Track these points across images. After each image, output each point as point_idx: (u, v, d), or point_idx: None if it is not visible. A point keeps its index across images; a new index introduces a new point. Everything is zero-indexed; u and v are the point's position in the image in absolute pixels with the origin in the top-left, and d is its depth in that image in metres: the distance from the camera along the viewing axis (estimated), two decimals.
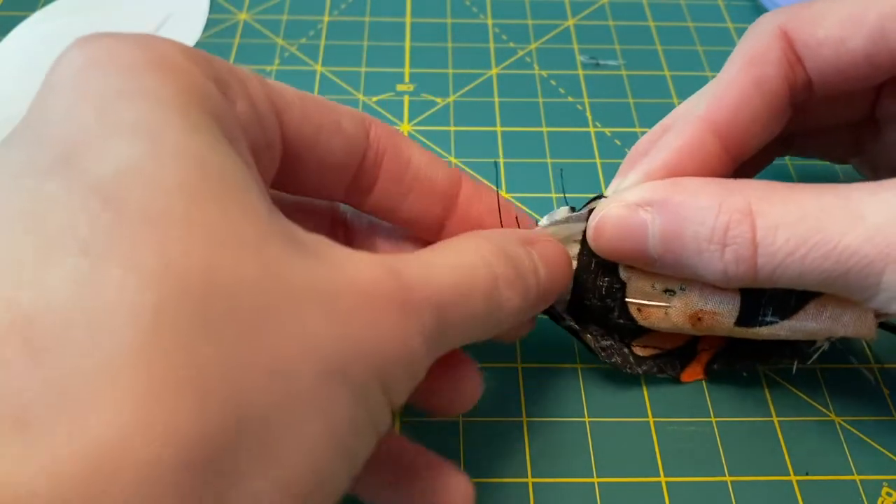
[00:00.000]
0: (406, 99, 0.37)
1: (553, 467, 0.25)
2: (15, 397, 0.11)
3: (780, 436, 0.26)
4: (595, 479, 0.24)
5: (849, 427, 0.26)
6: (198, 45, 0.39)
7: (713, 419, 0.26)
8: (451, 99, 0.37)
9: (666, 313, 0.24)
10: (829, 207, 0.20)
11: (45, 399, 0.11)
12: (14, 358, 0.11)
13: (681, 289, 0.24)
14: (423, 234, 0.24)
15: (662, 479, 0.24)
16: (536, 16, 0.42)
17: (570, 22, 0.41)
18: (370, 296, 0.15)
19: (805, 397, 0.27)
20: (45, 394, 0.11)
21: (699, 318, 0.24)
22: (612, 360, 0.26)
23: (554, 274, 0.22)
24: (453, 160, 0.34)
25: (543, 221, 0.24)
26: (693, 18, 0.42)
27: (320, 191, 0.22)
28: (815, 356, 0.24)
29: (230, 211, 0.14)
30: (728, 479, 0.25)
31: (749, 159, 0.25)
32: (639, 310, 0.24)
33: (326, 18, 0.41)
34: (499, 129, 0.35)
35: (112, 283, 0.12)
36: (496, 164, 0.29)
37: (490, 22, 0.41)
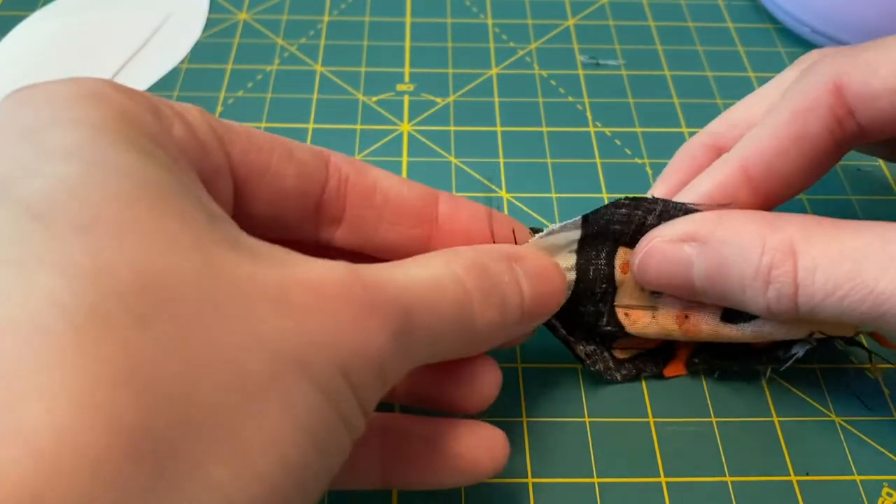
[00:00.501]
0: (406, 99, 0.37)
1: (553, 467, 0.25)
2: None
3: (780, 436, 0.26)
4: (595, 479, 0.24)
5: (849, 427, 0.26)
6: (198, 44, 0.39)
7: (713, 419, 0.26)
8: (451, 99, 0.37)
9: (653, 316, 0.25)
10: (868, 249, 0.20)
11: None
12: None
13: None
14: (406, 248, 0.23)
15: (662, 479, 0.24)
16: (536, 16, 0.42)
17: (570, 22, 0.41)
18: (326, 292, 0.15)
19: (805, 397, 0.27)
20: None
21: (686, 317, 0.24)
22: (596, 368, 0.26)
23: (542, 291, 0.22)
24: (453, 160, 0.34)
25: (538, 236, 0.24)
26: (693, 18, 0.42)
27: (286, 225, 0.21)
28: (789, 363, 0.25)
29: (166, 216, 0.14)
30: (728, 479, 0.24)
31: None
32: (626, 314, 0.25)
33: (326, 18, 0.41)
34: (499, 129, 0.35)
35: (40, 288, 0.12)
36: (491, 200, 0.29)
37: (490, 22, 0.41)
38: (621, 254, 0.25)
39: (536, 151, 0.34)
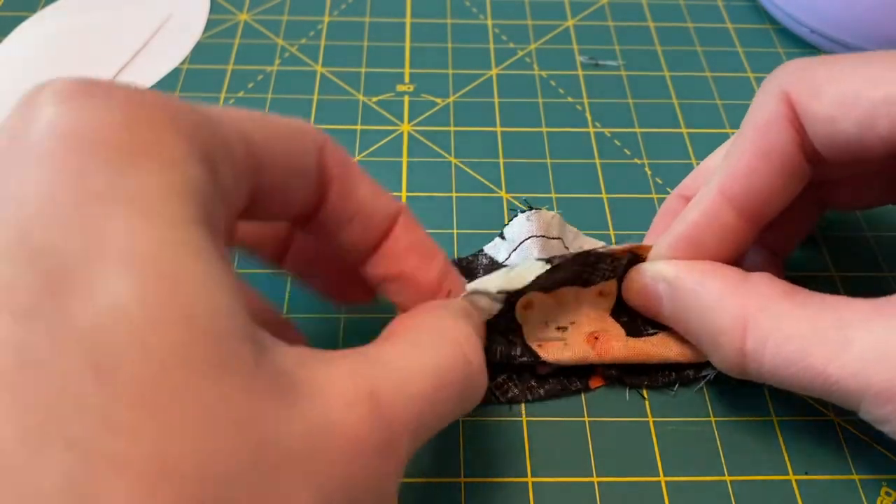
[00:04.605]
0: (406, 99, 0.37)
1: (553, 467, 0.25)
2: None
3: (779, 436, 0.26)
4: (595, 479, 0.24)
5: (848, 427, 0.26)
6: (198, 45, 0.39)
7: (713, 419, 0.26)
8: (451, 99, 0.37)
9: (565, 343, 0.26)
10: (823, 330, 0.21)
11: None
12: None
13: (571, 323, 0.26)
14: (351, 258, 0.23)
15: (662, 478, 0.25)
16: (536, 16, 0.42)
17: (570, 22, 0.42)
18: (350, 444, 0.15)
19: (805, 397, 0.27)
20: None
21: (596, 338, 0.26)
22: (509, 396, 0.26)
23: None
24: (453, 160, 0.34)
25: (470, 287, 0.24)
26: (693, 19, 0.42)
27: (265, 215, 0.21)
28: (701, 384, 0.26)
29: (223, 378, 0.13)
30: (727, 478, 0.25)
31: (784, 229, 0.26)
32: (539, 345, 0.26)
33: (326, 19, 0.41)
34: (499, 129, 0.36)
35: (107, 491, 0.11)
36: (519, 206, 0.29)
37: (490, 22, 0.41)
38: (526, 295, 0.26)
39: (536, 152, 0.35)
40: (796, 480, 0.25)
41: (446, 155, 0.34)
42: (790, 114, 0.23)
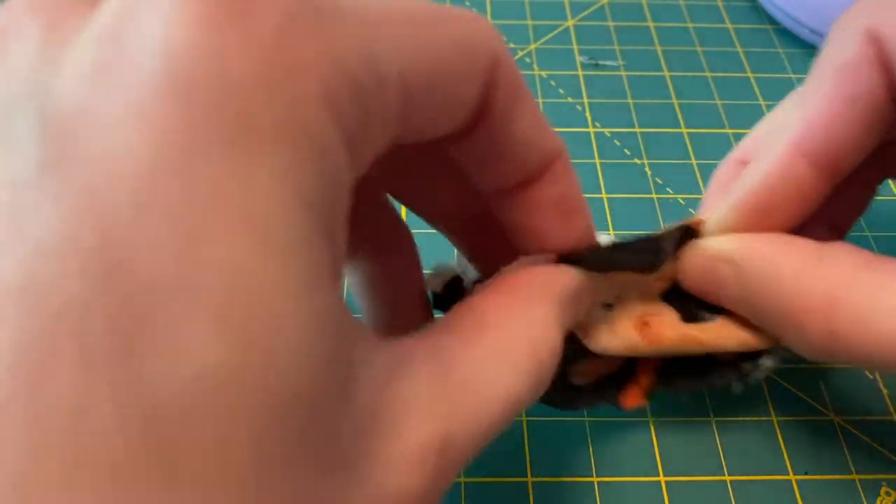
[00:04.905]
0: None
1: (553, 467, 0.25)
2: None
3: (779, 435, 0.26)
4: (595, 479, 0.24)
5: (848, 427, 0.26)
6: None
7: (712, 418, 0.26)
8: None
9: (611, 328, 0.23)
10: None
11: None
12: None
13: (617, 299, 0.23)
14: (477, 195, 0.19)
15: (662, 478, 0.25)
16: (536, 16, 0.42)
17: (570, 22, 0.42)
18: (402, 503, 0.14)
19: (804, 397, 0.27)
20: None
21: (646, 323, 0.23)
22: (552, 399, 0.23)
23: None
24: None
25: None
26: (693, 19, 0.42)
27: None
28: (758, 374, 0.23)
29: (308, 474, 0.12)
30: (727, 478, 0.25)
31: (847, 197, 0.24)
32: (584, 331, 0.22)
33: None
34: None
35: None
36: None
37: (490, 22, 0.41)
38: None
39: None
40: (796, 480, 0.25)
41: None
42: (878, 53, 0.20)
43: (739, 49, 0.40)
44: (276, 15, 0.11)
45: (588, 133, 0.36)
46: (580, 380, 0.24)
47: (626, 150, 0.35)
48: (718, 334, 0.23)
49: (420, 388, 0.14)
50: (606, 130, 0.36)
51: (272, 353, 0.11)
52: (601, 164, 0.34)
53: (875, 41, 0.20)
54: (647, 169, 0.34)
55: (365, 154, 0.13)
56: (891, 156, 0.24)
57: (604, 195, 0.33)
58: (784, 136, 0.21)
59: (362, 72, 0.12)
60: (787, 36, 0.41)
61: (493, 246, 0.21)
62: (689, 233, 0.22)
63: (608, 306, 0.23)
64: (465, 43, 0.15)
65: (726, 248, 0.21)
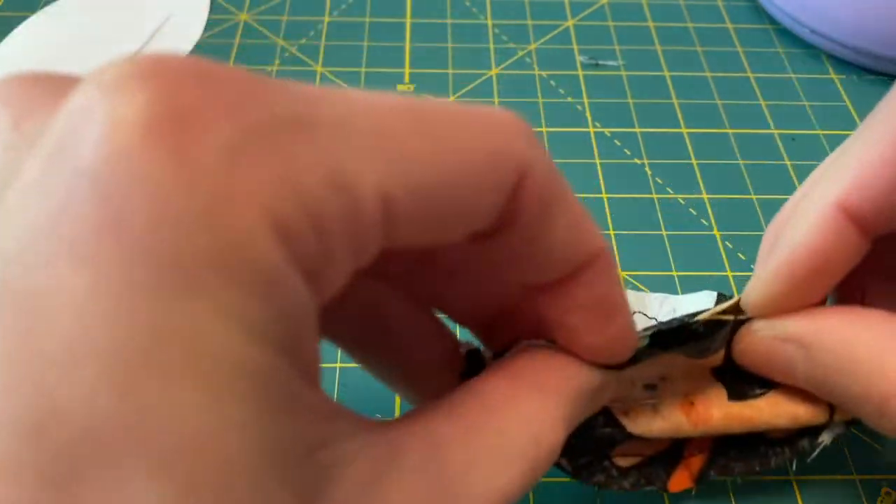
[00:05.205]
0: None
1: (553, 467, 0.25)
2: None
3: None
4: None
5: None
6: (198, 45, 0.39)
7: None
8: (452, 99, 0.37)
9: (654, 409, 0.21)
10: None
11: None
12: None
13: (661, 380, 0.21)
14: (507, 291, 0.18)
15: None
16: (536, 16, 0.42)
17: (570, 22, 0.42)
18: None
19: None
20: None
21: (692, 403, 0.21)
22: (595, 479, 0.22)
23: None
24: None
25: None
26: (693, 19, 0.42)
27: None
28: (815, 452, 0.22)
29: None
30: (727, 478, 0.25)
31: None
32: (625, 413, 0.21)
33: (326, 19, 0.41)
34: None
35: None
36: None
37: (490, 22, 0.41)
38: None
39: None
40: (796, 480, 0.25)
41: None
42: None
43: (739, 49, 0.40)
44: (222, 138, 0.10)
45: (588, 133, 0.36)
46: (625, 462, 0.22)
47: (626, 150, 0.35)
48: (770, 412, 0.21)
49: (409, 487, 0.13)
50: (606, 130, 0.36)
51: (223, 494, 0.10)
52: (601, 164, 0.34)
53: None
54: (647, 169, 0.34)
55: (337, 273, 0.12)
56: None
57: (604, 195, 0.33)
58: (824, 195, 0.19)
59: (325, 194, 0.11)
60: (787, 36, 0.41)
61: (517, 334, 0.19)
62: (738, 312, 0.21)
63: (652, 387, 0.21)
64: (482, 153, 0.13)
65: (792, 330, 0.20)
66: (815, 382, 0.20)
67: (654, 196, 0.33)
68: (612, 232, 0.31)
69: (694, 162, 0.34)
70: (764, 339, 0.20)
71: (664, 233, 0.32)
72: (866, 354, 0.18)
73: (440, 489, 0.14)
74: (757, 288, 0.20)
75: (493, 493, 0.14)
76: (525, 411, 0.16)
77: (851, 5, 0.37)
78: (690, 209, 0.32)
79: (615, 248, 0.31)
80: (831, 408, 0.21)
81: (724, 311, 0.20)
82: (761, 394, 0.21)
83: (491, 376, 0.17)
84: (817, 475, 0.25)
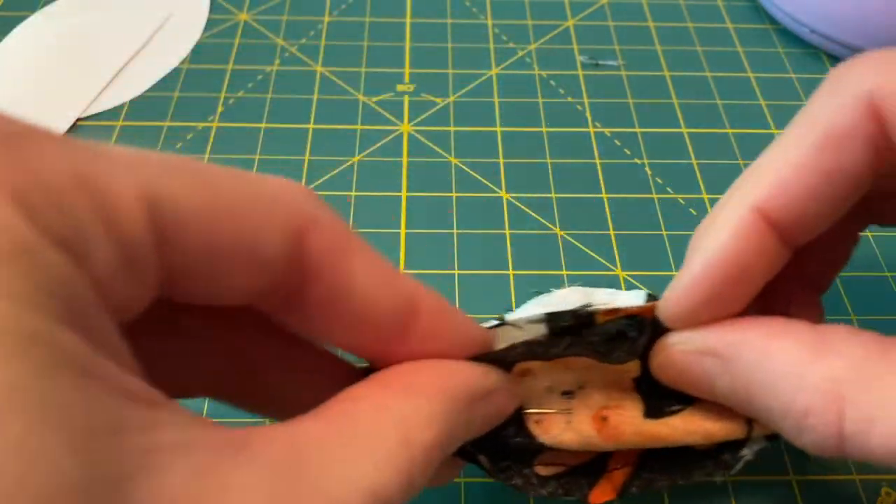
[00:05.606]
0: (406, 99, 0.37)
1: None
2: None
3: None
4: None
5: None
6: (198, 45, 0.39)
7: None
8: (451, 99, 0.37)
9: (568, 421, 0.21)
10: None
11: None
12: None
13: (579, 388, 0.21)
14: (366, 356, 0.19)
15: None
16: (536, 16, 0.42)
17: (570, 22, 0.42)
18: None
19: None
20: None
21: (604, 418, 0.21)
22: (513, 483, 0.22)
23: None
24: (453, 160, 0.34)
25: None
26: (693, 19, 0.42)
27: (219, 298, 0.16)
28: (738, 466, 0.21)
29: None
30: (728, 478, 0.25)
31: (825, 254, 0.22)
32: (537, 422, 0.21)
33: (326, 19, 0.41)
34: (499, 129, 0.36)
35: None
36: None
37: (490, 22, 0.41)
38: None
39: (536, 152, 0.35)
40: (796, 480, 0.25)
41: (446, 155, 0.34)
42: (873, 128, 0.18)
43: (739, 49, 0.40)
44: None
45: (588, 133, 0.36)
46: (545, 471, 0.22)
47: (626, 150, 0.35)
48: (684, 429, 0.21)
49: (253, 481, 0.13)
50: (606, 130, 0.36)
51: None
52: (601, 164, 0.34)
53: (872, 110, 0.18)
54: (647, 169, 0.34)
55: (106, 259, 0.13)
56: (874, 204, 0.21)
57: (604, 195, 0.33)
58: (740, 198, 0.19)
59: (70, 186, 0.12)
60: (787, 36, 0.41)
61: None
62: (653, 321, 0.20)
63: (569, 395, 0.21)
64: (266, 194, 0.15)
65: (710, 343, 0.19)
66: (733, 398, 0.19)
67: (654, 196, 0.33)
68: (612, 232, 0.31)
69: (694, 162, 0.34)
70: (680, 352, 0.19)
71: (664, 233, 0.32)
72: (785, 368, 0.18)
73: (292, 487, 0.13)
74: (672, 298, 0.19)
75: (358, 493, 0.14)
76: (396, 413, 0.16)
77: (851, 5, 0.37)
78: (690, 209, 0.32)
79: (615, 248, 0.31)
80: (750, 423, 0.21)
81: (630, 311, 0.20)
82: (678, 410, 0.21)
83: (364, 383, 0.17)
84: (817, 475, 0.25)
